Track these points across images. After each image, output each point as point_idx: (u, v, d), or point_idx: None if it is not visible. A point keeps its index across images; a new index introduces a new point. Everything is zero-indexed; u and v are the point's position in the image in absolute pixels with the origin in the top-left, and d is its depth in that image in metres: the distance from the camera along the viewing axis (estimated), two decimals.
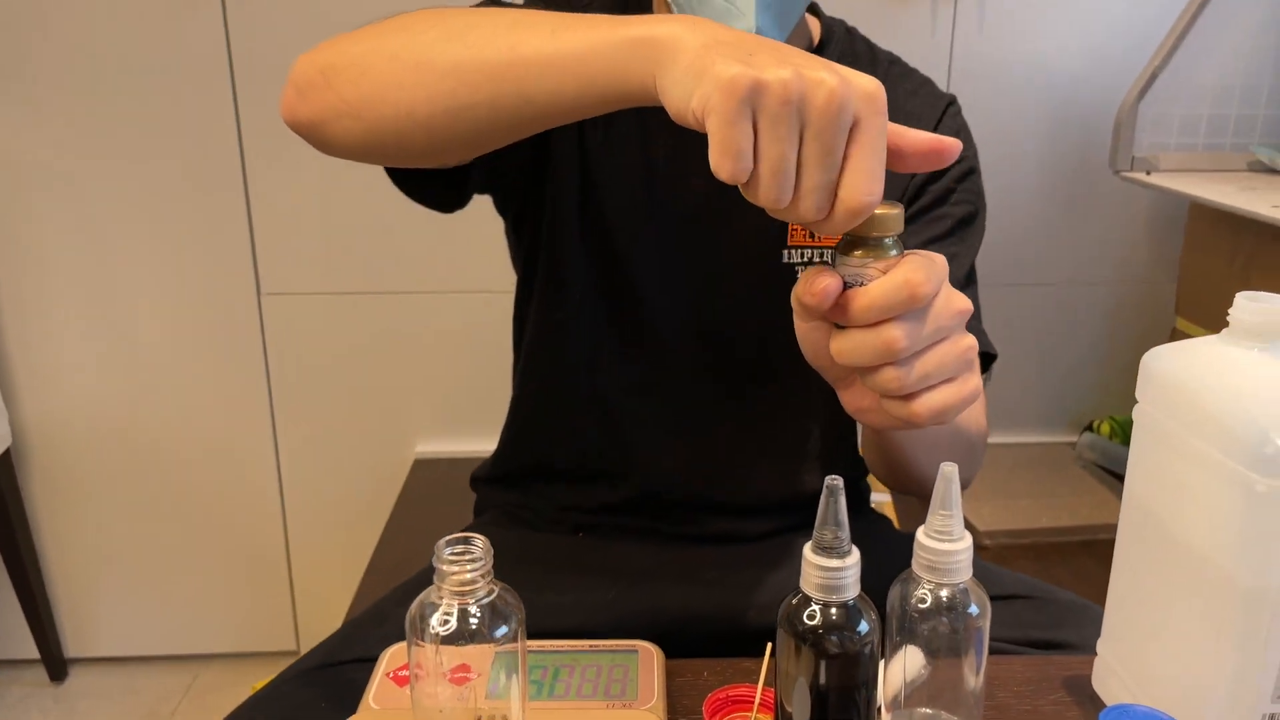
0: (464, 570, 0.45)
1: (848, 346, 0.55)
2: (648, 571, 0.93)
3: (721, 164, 0.50)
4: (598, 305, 0.92)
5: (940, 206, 0.91)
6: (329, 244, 1.82)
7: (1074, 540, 1.64)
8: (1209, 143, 1.57)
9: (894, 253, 0.54)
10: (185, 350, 1.87)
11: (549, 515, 1.00)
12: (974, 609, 0.53)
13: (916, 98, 0.94)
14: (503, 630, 0.46)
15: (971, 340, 0.57)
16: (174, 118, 1.75)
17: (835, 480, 0.50)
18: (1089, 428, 1.93)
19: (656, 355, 0.94)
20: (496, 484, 1.06)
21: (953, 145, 0.54)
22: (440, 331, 1.88)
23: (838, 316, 0.55)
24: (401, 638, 0.53)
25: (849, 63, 0.92)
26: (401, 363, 1.90)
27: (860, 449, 0.85)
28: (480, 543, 0.46)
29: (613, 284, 0.91)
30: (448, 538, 0.46)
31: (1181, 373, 0.57)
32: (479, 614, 0.45)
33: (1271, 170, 1.54)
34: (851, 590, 0.51)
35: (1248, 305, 0.55)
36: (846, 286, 0.54)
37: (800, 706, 0.53)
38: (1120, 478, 1.82)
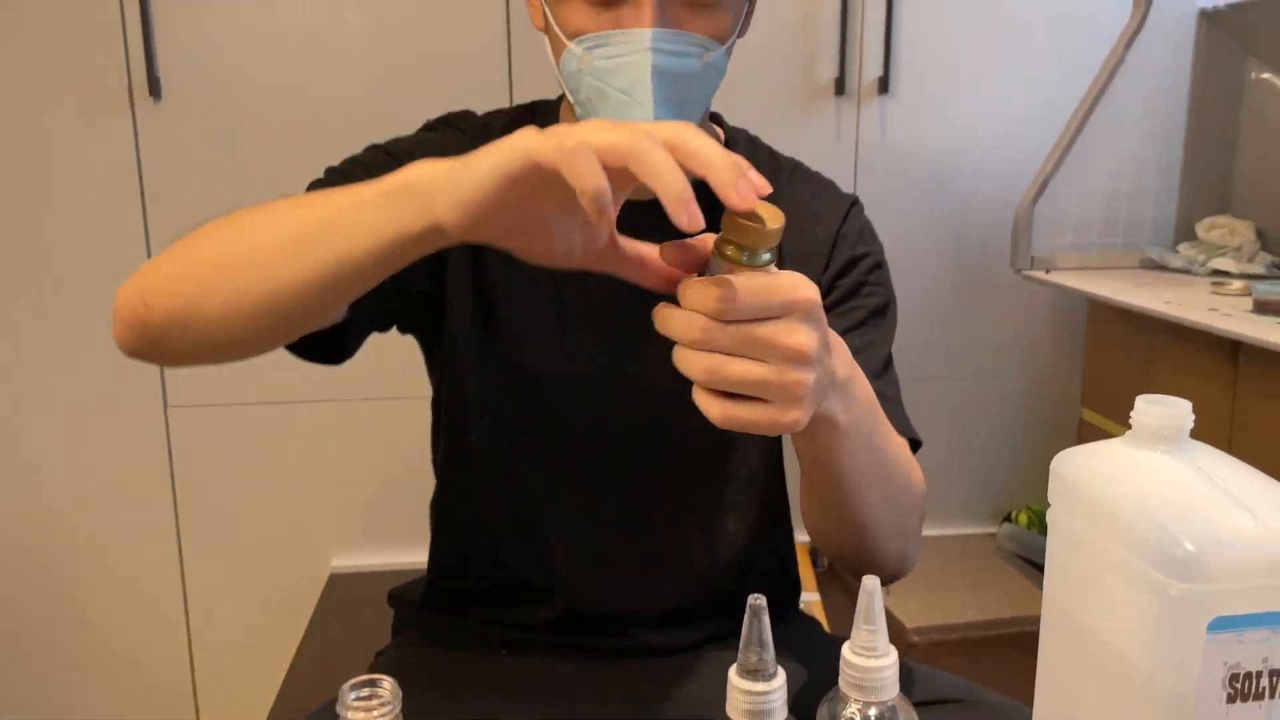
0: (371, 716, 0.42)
1: (666, 314, 0.59)
2: (574, 688, 0.90)
3: (584, 179, 0.51)
4: (508, 422, 0.91)
5: (853, 299, 0.93)
6: None
7: (1002, 634, 1.65)
8: (1102, 242, 1.65)
9: (767, 255, 0.57)
10: (87, 465, 1.79)
11: (471, 632, 0.97)
12: None
13: (820, 199, 0.97)
14: None
15: (800, 377, 0.58)
16: (83, 227, 1.71)
17: (758, 599, 0.49)
18: (1007, 518, 1.96)
19: (572, 468, 0.92)
20: (415, 604, 1.03)
21: (746, 187, 0.54)
22: (355, 440, 1.84)
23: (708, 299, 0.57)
24: None
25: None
26: (315, 473, 1.84)
27: (801, 502, 0.84)
28: (388, 686, 0.43)
29: (523, 401, 0.91)
30: (352, 681, 0.43)
31: (1089, 476, 0.58)
32: None
33: (1161, 266, 1.61)
34: (779, 714, 0.49)
35: (1149, 409, 0.57)
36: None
37: None
38: (1040, 568, 1.84)
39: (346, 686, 0.43)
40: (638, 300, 0.89)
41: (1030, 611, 1.70)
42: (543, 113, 0.95)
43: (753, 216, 0.55)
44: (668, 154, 0.52)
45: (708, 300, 0.56)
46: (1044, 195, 1.59)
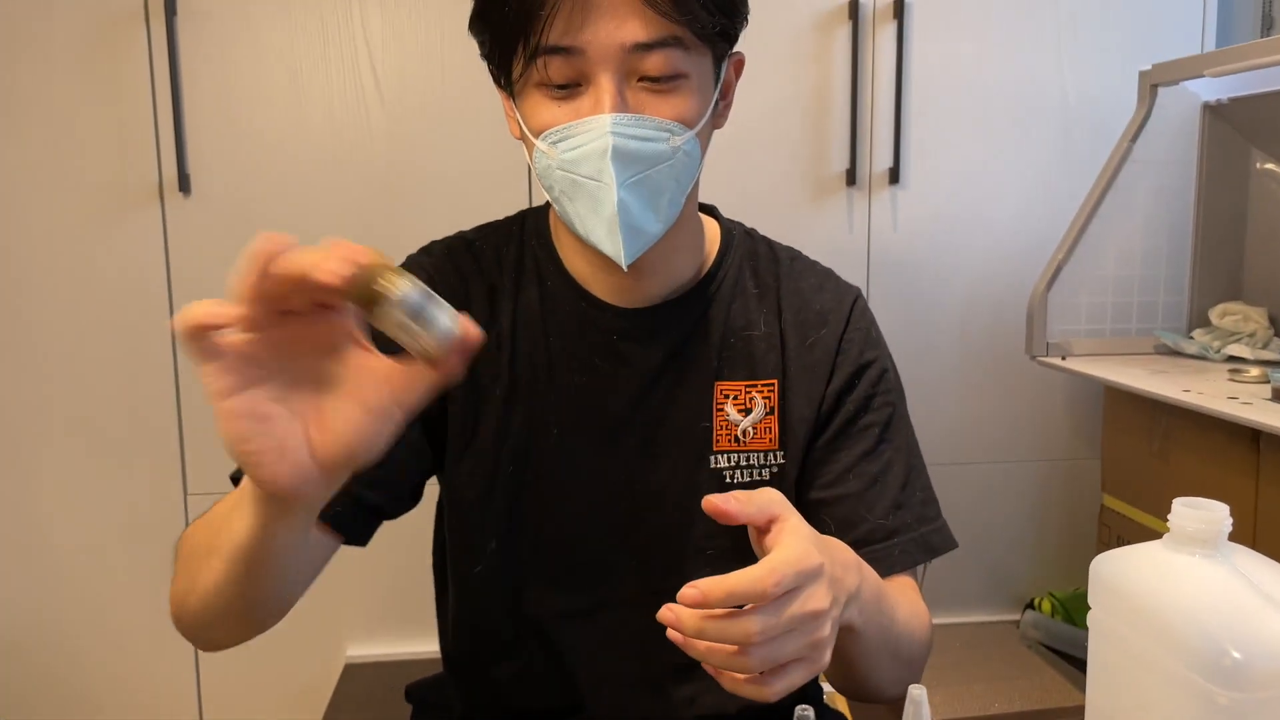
0: None
1: (702, 629, 0.60)
2: None
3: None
4: (515, 547, 0.91)
5: (863, 415, 0.93)
6: None
7: None
8: (1116, 328, 1.66)
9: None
10: (104, 552, 1.78)
11: None
12: None
13: (824, 293, 0.96)
14: None
15: (825, 631, 0.63)
16: (106, 323, 1.74)
17: (806, 710, 0.49)
18: (1030, 605, 1.94)
19: (588, 582, 0.92)
20: (433, 705, 1.02)
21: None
22: None
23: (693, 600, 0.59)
24: None
25: (751, 263, 0.97)
26: (330, 562, 1.83)
27: None
28: None
29: (530, 522, 0.91)
30: None
31: (1131, 581, 0.58)
32: None
33: (1176, 352, 1.62)
34: None
35: (1188, 514, 0.57)
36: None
37: None
38: (1066, 656, 1.82)
39: None
40: (643, 402, 0.90)
41: (1059, 703, 1.67)
42: (532, 218, 0.96)
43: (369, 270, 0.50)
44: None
45: (754, 593, 0.59)
46: (1057, 282, 1.61)
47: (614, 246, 0.80)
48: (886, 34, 1.81)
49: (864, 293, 0.99)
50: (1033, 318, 1.62)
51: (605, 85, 0.78)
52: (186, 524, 1.79)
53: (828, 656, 0.64)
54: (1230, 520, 0.57)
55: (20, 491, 1.76)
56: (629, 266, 0.83)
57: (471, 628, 0.96)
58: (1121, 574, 0.59)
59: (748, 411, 0.92)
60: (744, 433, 0.92)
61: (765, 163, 1.81)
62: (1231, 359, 1.55)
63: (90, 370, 1.75)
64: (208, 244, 1.74)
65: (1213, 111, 1.64)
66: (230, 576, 0.67)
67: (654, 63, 0.78)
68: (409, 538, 1.80)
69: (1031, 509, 1.98)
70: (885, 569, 0.88)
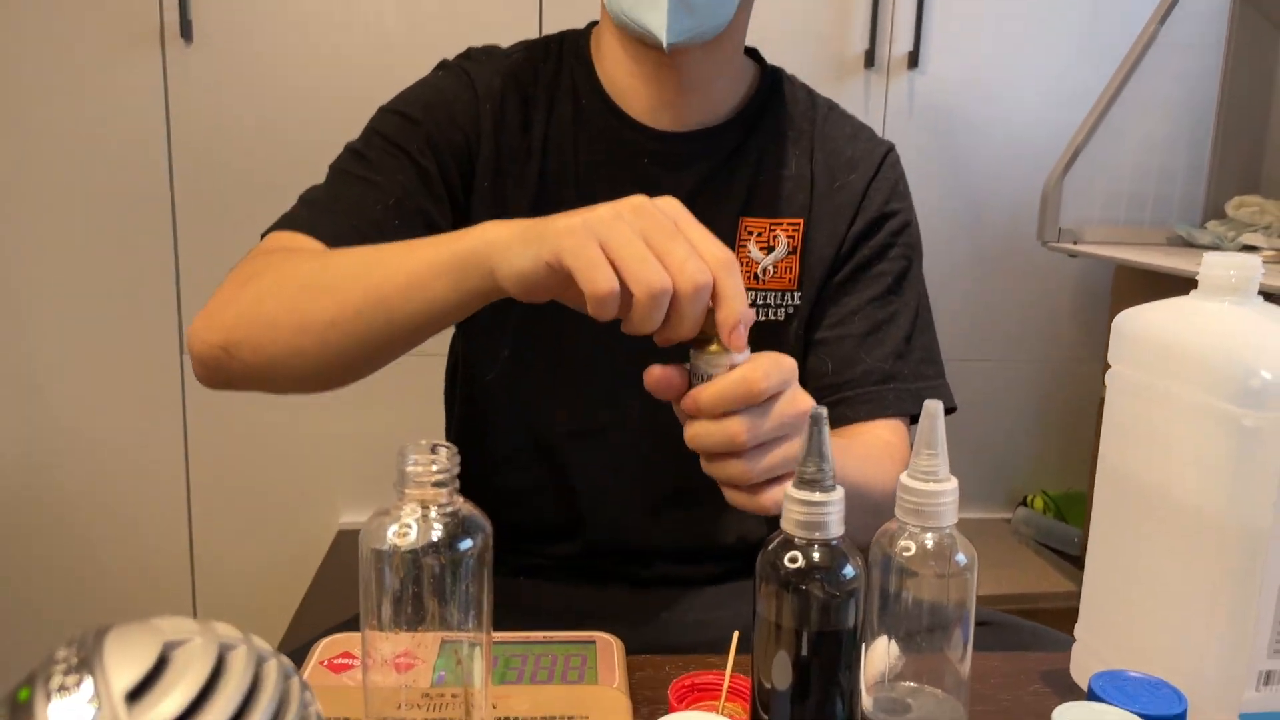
0: (430, 474, 0.41)
1: (696, 433, 0.59)
2: (590, 614, 0.89)
3: (595, 278, 0.55)
4: (526, 359, 0.90)
5: (878, 263, 0.92)
6: None
7: (1019, 608, 1.62)
8: (1129, 218, 1.64)
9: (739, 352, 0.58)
10: (96, 404, 1.77)
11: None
12: (961, 557, 0.50)
13: (856, 142, 0.95)
14: (467, 544, 0.41)
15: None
16: (102, 172, 1.71)
17: (820, 410, 0.48)
18: (1023, 502, 1.94)
19: (590, 408, 0.91)
20: None
21: (745, 320, 0.59)
22: (366, 396, 1.82)
23: (689, 407, 0.59)
24: None
25: (789, 106, 0.94)
26: (326, 429, 1.82)
27: None
28: (447, 449, 0.42)
29: (542, 337, 0.90)
30: (412, 444, 0.42)
31: (1158, 327, 0.57)
32: (443, 525, 0.41)
33: (1189, 244, 1.60)
34: (836, 529, 0.48)
35: (1219, 261, 0.55)
36: (700, 381, 0.58)
37: (780, 668, 0.49)
38: (1056, 550, 1.82)
39: (406, 446, 0.42)
40: None
41: (1048, 588, 1.67)
42: (571, 42, 0.94)
43: None
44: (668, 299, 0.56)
45: (738, 388, 0.58)
46: (1073, 169, 1.58)
47: (658, 18, 0.79)
48: None
49: None
50: (1047, 202, 1.59)
51: None
52: (182, 381, 1.78)
53: None
54: (1263, 269, 0.55)
55: (18, 343, 1.74)
56: (671, 59, 0.81)
57: (479, 438, 0.95)
58: (1147, 323, 0.58)
59: (770, 249, 0.91)
60: (764, 270, 0.91)
61: (786, 40, 1.77)
62: (1246, 248, 1.53)
63: (87, 221, 1.72)
64: (208, 93, 1.70)
65: None
66: (391, 330, 0.68)
67: None
68: (403, 411, 1.80)
69: (1031, 408, 1.97)
70: (877, 410, 0.88)
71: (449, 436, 1.01)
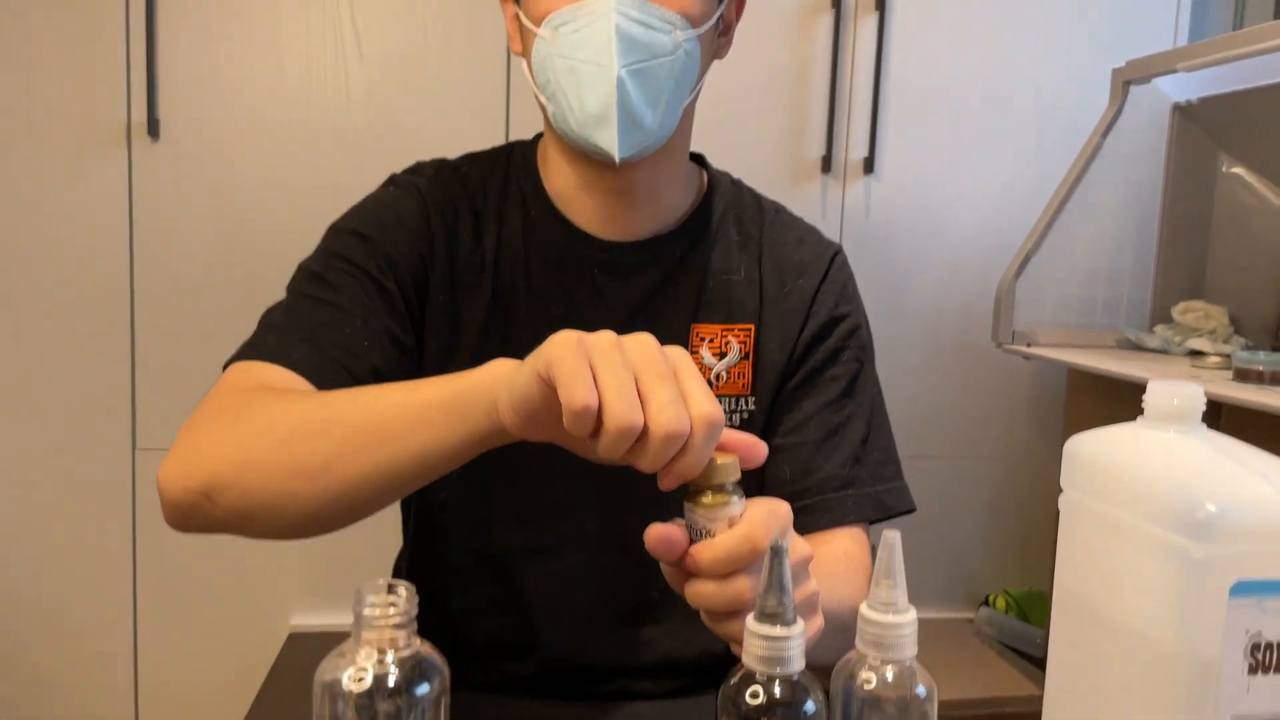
0: (387, 618, 0.40)
1: (700, 592, 0.57)
2: None
3: (573, 391, 0.53)
4: (480, 479, 0.89)
5: (830, 367, 0.93)
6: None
7: (982, 713, 1.61)
8: (1080, 321, 1.68)
9: (736, 499, 0.57)
10: (48, 501, 1.73)
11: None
12: (922, 690, 0.50)
13: (804, 246, 0.97)
14: (424, 689, 0.41)
15: (814, 586, 0.61)
16: (62, 268, 1.70)
17: (780, 543, 0.48)
18: (985, 602, 1.94)
19: (543, 528, 0.91)
20: None
21: (762, 448, 0.60)
22: None
23: (690, 566, 0.57)
24: None
25: (736, 210, 0.97)
26: None
27: None
28: (404, 591, 0.41)
29: (496, 456, 0.90)
30: (369, 584, 0.41)
31: (1107, 455, 0.58)
32: (400, 669, 0.40)
33: (1138, 346, 1.64)
34: (797, 663, 0.48)
35: (1164, 391, 0.57)
36: (699, 536, 0.57)
37: None
38: (1019, 652, 1.81)
39: (363, 587, 0.41)
40: None
41: (1011, 692, 1.66)
42: (519, 153, 0.96)
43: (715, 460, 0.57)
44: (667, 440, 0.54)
45: (743, 547, 0.56)
46: (1025, 272, 1.63)
47: (609, 135, 0.80)
48: (868, 25, 1.83)
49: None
50: (1000, 305, 1.63)
51: None
52: (133, 481, 1.74)
53: (819, 620, 0.63)
54: (1205, 399, 0.57)
55: None
56: (621, 176, 0.83)
57: (433, 558, 0.95)
58: (1098, 451, 0.59)
59: (723, 355, 0.93)
60: (717, 376, 0.92)
61: (744, 145, 1.82)
62: (1193, 353, 1.57)
63: (42, 318, 1.70)
64: (174, 192, 1.70)
65: (1182, 112, 1.67)
66: (391, 473, 0.66)
67: None
68: None
69: (990, 506, 1.98)
70: (836, 519, 0.89)
71: (405, 545, 1.00)
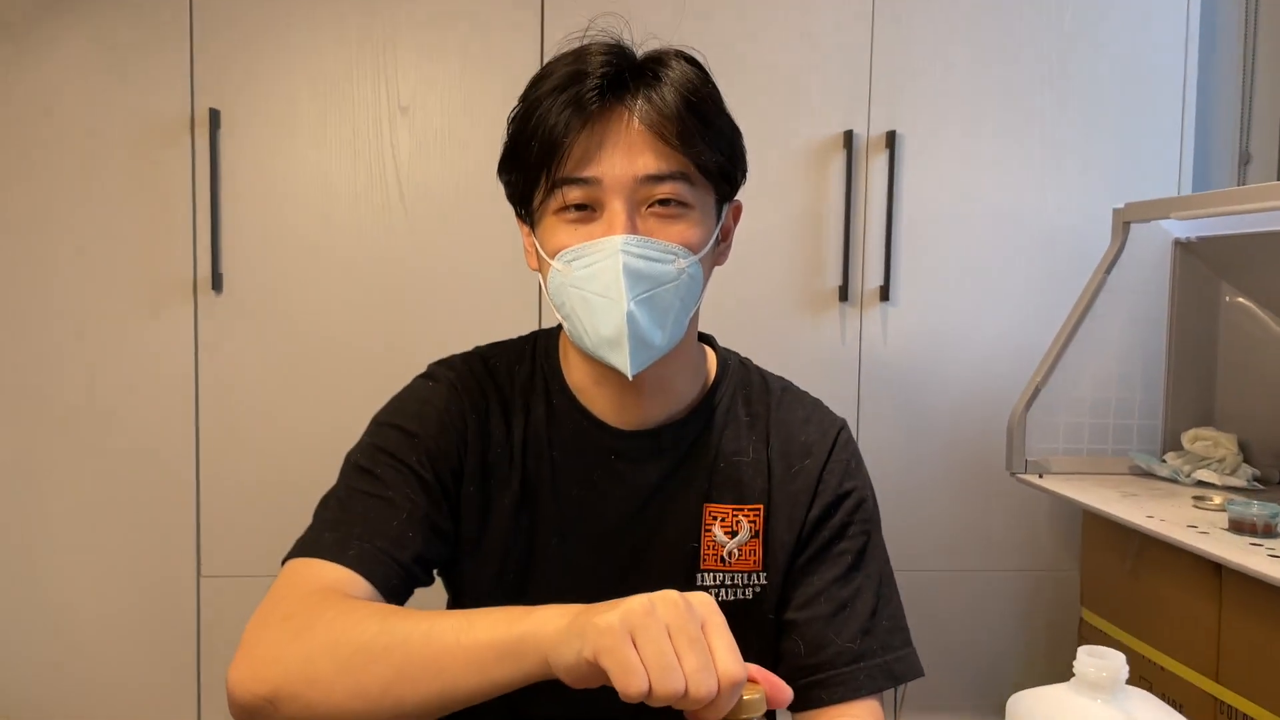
0: None
1: None
2: None
3: (629, 682, 0.62)
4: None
5: (838, 543, 0.99)
6: (270, 525, 1.88)
7: None
8: (1092, 448, 1.74)
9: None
10: (118, 630, 1.86)
11: None
12: None
13: (810, 425, 1.03)
14: None
15: None
16: (135, 408, 1.85)
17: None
18: None
19: (580, 698, 0.98)
20: None
21: (787, 692, 0.69)
22: None
23: None
24: None
25: (744, 392, 1.04)
26: None
27: None
28: None
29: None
30: None
31: (1040, 718, 0.66)
32: None
33: (1149, 474, 1.70)
34: None
35: (1090, 662, 0.65)
36: None
37: None
38: None
39: None
40: (636, 519, 0.98)
41: None
42: (542, 343, 1.04)
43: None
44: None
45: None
46: (1035, 403, 1.69)
47: (621, 358, 0.88)
48: (879, 162, 1.93)
49: (856, 401, 1.06)
50: (1012, 436, 1.70)
51: (618, 210, 0.87)
52: (198, 604, 1.87)
53: None
54: (1126, 669, 0.65)
55: (44, 565, 1.85)
56: (633, 379, 0.91)
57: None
58: (1031, 713, 0.67)
59: (734, 534, 0.99)
60: (729, 554, 0.99)
61: (765, 278, 1.92)
62: (1201, 484, 1.62)
63: (118, 450, 1.85)
64: (236, 339, 1.85)
65: (1184, 248, 1.74)
66: (445, 702, 0.72)
67: (662, 191, 0.88)
68: None
69: (1016, 617, 2.03)
70: (850, 693, 0.94)
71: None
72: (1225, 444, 1.67)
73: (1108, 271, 1.71)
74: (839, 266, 1.94)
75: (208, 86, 1.82)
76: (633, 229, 0.88)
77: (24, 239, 1.82)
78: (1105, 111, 1.97)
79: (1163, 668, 1.51)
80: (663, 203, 0.88)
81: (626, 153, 0.87)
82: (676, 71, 0.90)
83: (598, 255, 0.88)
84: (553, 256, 0.91)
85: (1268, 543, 1.28)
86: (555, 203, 0.89)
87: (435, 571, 1.00)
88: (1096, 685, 0.64)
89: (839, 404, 1.96)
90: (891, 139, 1.92)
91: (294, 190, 1.85)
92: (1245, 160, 2.14)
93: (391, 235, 1.87)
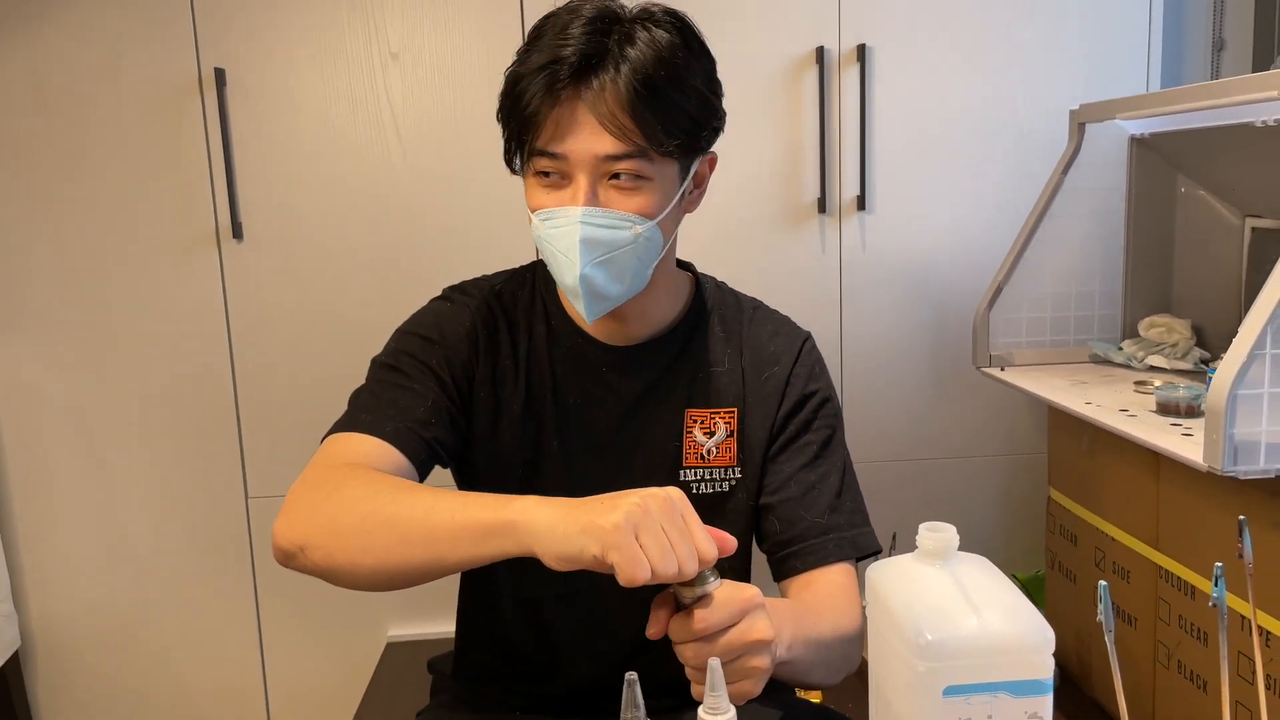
0: None
1: (681, 650, 0.85)
2: None
3: (636, 572, 0.77)
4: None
5: (804, 435, 1.14)
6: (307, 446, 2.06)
7: None
8: (1054, 339, 1.85)
9: (712, 579, 0.84)
10: (177, 554, 2.08)
11: (490, 699, 1.20)
12: None
13: (778, 337, 1.18)
14: None
15: (759, 663, 0.85)
16: (174, 349, 2.03)
17: (632, 675, 0.73)
18: None
19: (573, 572, 1.15)
20: (447, 674, 1.27)
21: (732, 542, 0.84)
22: None
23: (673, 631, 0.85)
24: None
25: (720, 311, 1.19)
26: None
27: None
28: None
29: None
30: None
31: (885, 585, 0.81)
32: None
33: (1108, 361, 1.81)
34: None
35: (928, 535, 0.79)
36: (685, 605, 0.84)
37: None
38: None
39: None
40: (626, 423, 1.13)
41: None
42: (542, 269, 1.17)
43: None
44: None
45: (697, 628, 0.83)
46: (999, 300, 1.80)
47: (581, 306, 1.04)
48: (850, 76, 2.01)
49: (839, 305, 1.18)
50: (976, 333, 1.82)
51: (580, 183, 0.99)
52: (249, 524, 2.08)
53: (759, 686, 0.85)
54: (957, 539, 0.79)
55: (104, 500, 2.07)
56: (595, 320, 1.06)
57: (486, 599, 1.20)
58: (881, 580, 0.82)
59: (711, 434, 1.14)
60: (708, 451, 1.14)
61: (745, 193, 2.03)
62: (1152, 368, 1.73)
63: (161, 389, 2.04)
64: (259, 281, 2.01)
65: (1140, 143, 1.81)
66: (436, 566, 0.87)
67: (621, 168, 0.99)
68: None
69: (995, 497, 2.18)
70: (820, 560, 1.10)
71: (461, 588, 1.25)
72: (1179, 329, 1.77)
73: (1065, 172, 1.79)
74: (816, 180, 2.04)
75: (213, 47, 1.94)
76: (594, 201, 0.99)
77: (55, 202, 1.98)
78: (1071, 6, 2.01)
79: (1114, 539, 1.65)
80: (621, 176, 1.00)
81: (590, 134, 0.98)
82: (645, 48, 0.98)
83: (562, 221, 1.01)
84: (532, 211, 1.05)
85: (1186, 422, 1.40)
86: (533, 167, 1.02)
87: (450, 469, 1.15)
88: (933, 553, 0.79)
89: (822, 309, 2.10)
90: (862, 52, 1.99)
91: (300, 141, 1.98)
92: (1220, 47, 2.17)
93: (391, 176, 2.00)
